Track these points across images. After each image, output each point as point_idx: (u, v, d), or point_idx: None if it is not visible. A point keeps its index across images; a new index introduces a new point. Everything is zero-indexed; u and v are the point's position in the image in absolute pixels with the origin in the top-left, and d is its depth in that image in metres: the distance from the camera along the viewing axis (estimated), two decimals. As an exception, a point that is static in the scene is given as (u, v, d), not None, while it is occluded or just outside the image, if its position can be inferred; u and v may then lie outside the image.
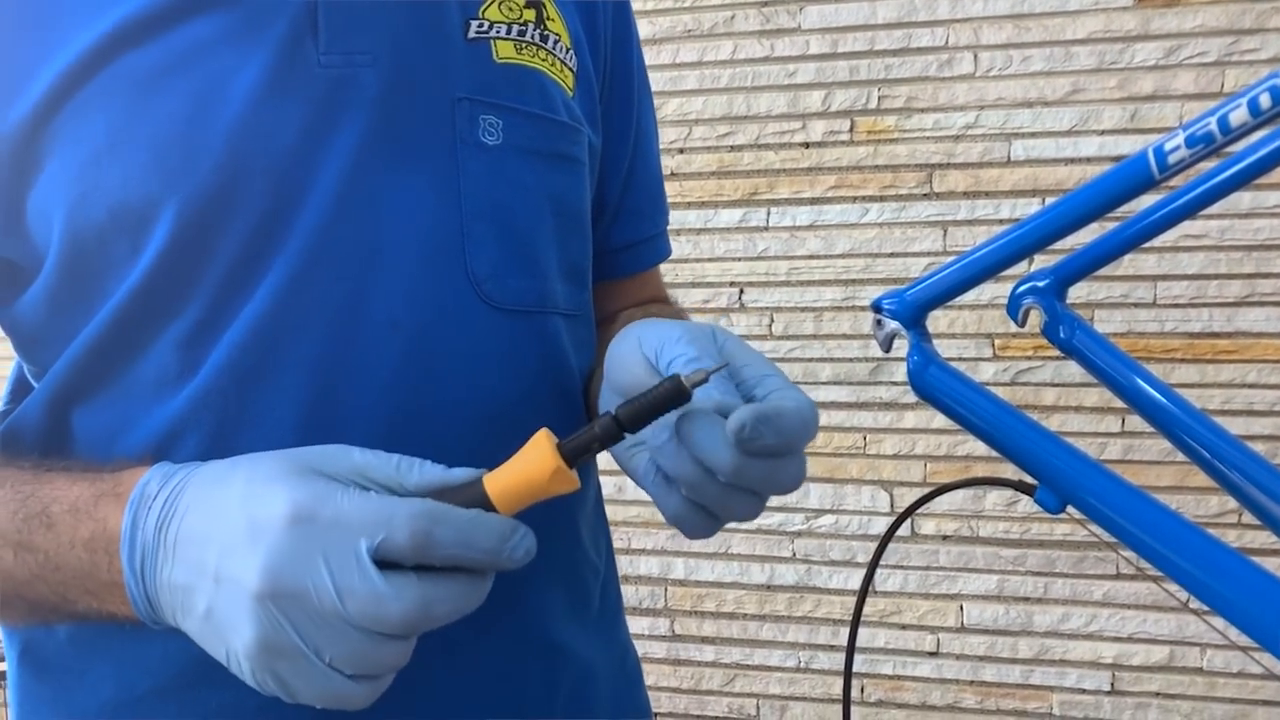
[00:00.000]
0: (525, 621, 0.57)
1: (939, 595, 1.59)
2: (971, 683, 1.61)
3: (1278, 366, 1.41)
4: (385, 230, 0.51)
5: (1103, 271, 0.77)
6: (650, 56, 1.52)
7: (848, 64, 1.46)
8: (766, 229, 1.52)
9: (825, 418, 1.57)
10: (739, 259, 1.54)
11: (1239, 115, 0.48)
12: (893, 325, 0.62)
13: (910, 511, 0.62)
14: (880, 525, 1.58)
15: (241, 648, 0.40)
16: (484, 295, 0.54)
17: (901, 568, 1.59)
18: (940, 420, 1.53)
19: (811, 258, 1.51)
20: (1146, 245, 0.87)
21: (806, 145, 1.50)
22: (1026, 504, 1.54)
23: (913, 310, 0.61)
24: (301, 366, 0.49)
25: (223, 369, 0.48)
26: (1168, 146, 0.50)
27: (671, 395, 0.42)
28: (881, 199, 1.48)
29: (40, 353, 0.52)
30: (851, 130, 1.48)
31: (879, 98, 1.46)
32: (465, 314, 0.53)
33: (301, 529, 0.40)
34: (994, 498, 1.55)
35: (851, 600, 1.60)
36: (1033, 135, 1.42)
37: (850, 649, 0.65)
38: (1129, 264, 1.41)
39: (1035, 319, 0.71)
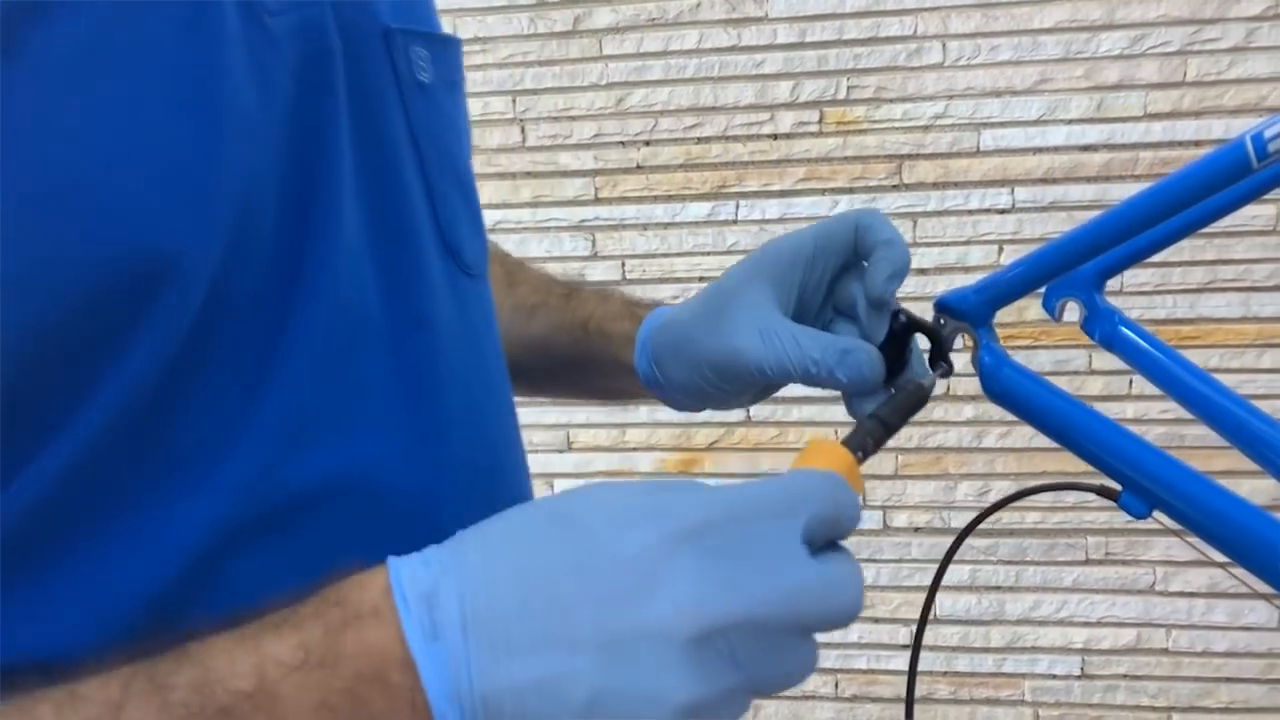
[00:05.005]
0: None
1: (912, 587, 1.58)
2: (945, 673, 1.61)
3: (1239, 351, 1.44)
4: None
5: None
6: (614, 46, 1.48)
7: (816, 54, 1.44)
8: (736, 222, 1.49)
9: (797, 412, 1.55)
10: (708, 253, 1.50)
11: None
12: (956, 324, 0.59)
13: (991, 512, 0.59)
14: (853, 519, 1.57)
15: (671, 714, 0.31)
16: (463, 265, 0.48)
17: (875, 561, 1.58)
18: (912, 412, 1.52)
19: (782, 251, 1.48)
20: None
21: (775, 137, 1.47)
22: (998, 493, 1.54)
23: (981, 307, 0.58)
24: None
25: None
26: (1268, 134, 0.48)
27: (921, 399, 0.49)
28: (851, 191, 1.46)
29: None
30: (820, 121, 1.46)
31: (848, 88, 1.44)
32: (453, 287, 0.47)
33: (718, 536, 0.32)
34: (965, 487, 1.55)
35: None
36: (1001, 125, 1.42)
37: (914, 655, 0.62)
38: (1098, 252, 1.42)
39: (1072, 312, 0.69)
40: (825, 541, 0.35)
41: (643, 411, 1.59)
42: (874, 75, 1.44)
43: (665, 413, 1.59)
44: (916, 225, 1.46)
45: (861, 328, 0.52)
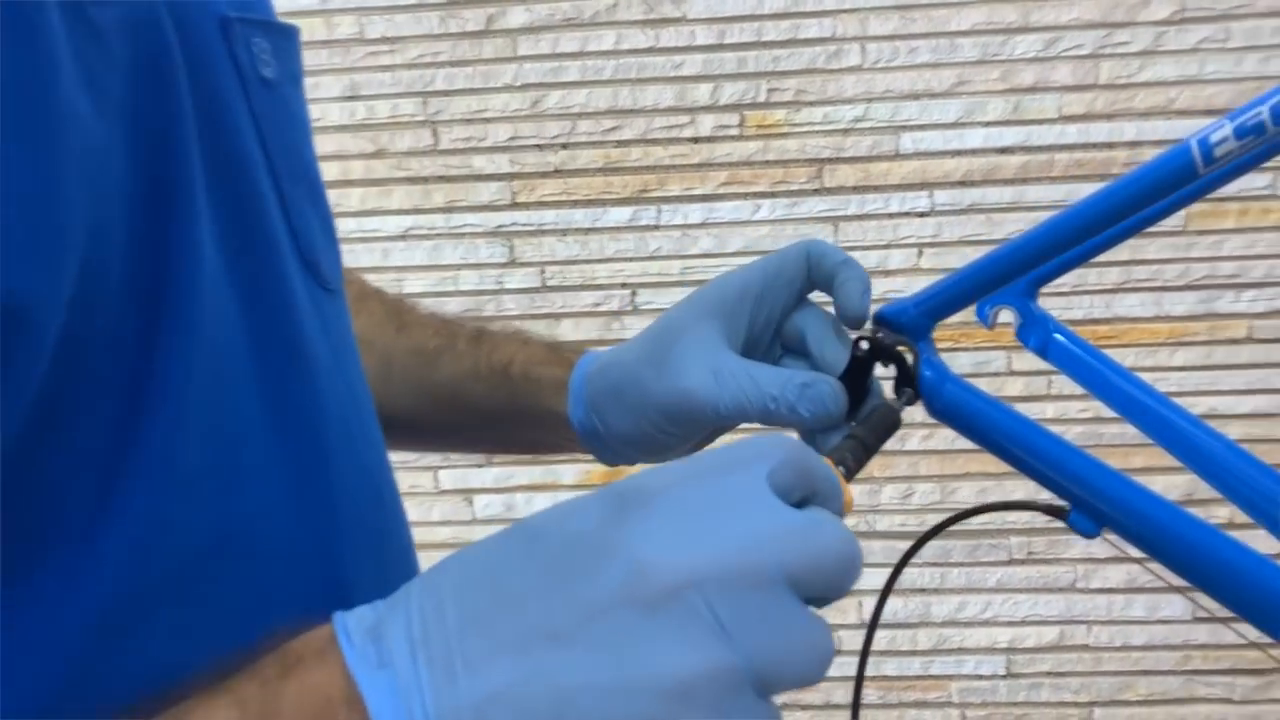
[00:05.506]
0: None
1: (839, 593, 1.57)
2: (873, 678, 1.60)
3: (1153, 349, 1.46)
4: None
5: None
6: (528, 46, 1.43)
7: (735, 55, 1.42)
8: (658, 227, 1.46)
9: (722, 420, 1.52)
10: (630, 259, 1.47)
11: (1294, 105, 0.45)
12: (893, 339, 0.56)
13: (935, 533, 0.57)
14: (780, 527, 1.55)
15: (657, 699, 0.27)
16: (322, 281, 0.44)
17: (803, 568, 1.56)
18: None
19: (705, 256, 1.46)
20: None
21: (696, 140, 1.44)
22: (921, 495, 1.54)
23: (921, 319, 0.55)
24: None
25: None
26: (1214, 138, 0.46)
27: (893, 420, 0.48)
28: (773, 195, 1.44)
29: None
30: (741, 124, 1.43)
31: (768, 90, 1.42)
32: (316, 308, 0.43)
33: (672, 496, 0.29)
34: (889, 491, 1.55)
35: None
36: (920, 128, 1.42)
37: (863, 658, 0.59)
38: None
39: (1005, 321, 0.67)
40: (799, 498, 0.31)
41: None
42: (794, 78, 1.42)
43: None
44: (838, 229, 1.45)
45: (814, 363, 0.50)
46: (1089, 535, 0.52)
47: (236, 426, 0.37)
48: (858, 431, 0.45)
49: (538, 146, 1.46)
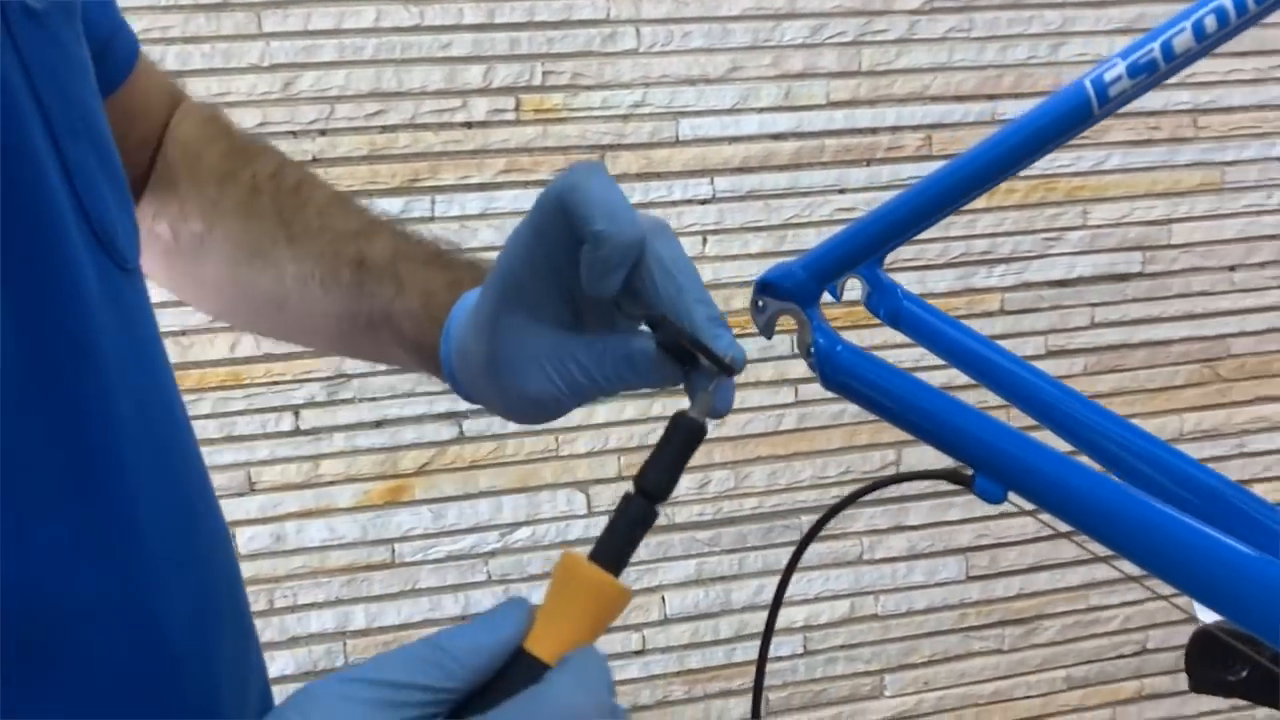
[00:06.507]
0: None
1: (641, 590, 1.53)
2: (679, 673, 1.58)
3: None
4: None
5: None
6: (275, 22, 1.28)
7: (507, 36, 1.34)
8: (433, 219, 1.35)
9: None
10: (404, 256, 1.35)
11: (1183, 40, 0.44)
12: (780, 305, 0.52)
13: (836, 511, 0.52)
14: (578, 530, 1.49)
15: None
16: (118, 259, 0.38)
17: (604, 570, 1.51)
18: (631, 411, 1.48)
19: (486, 249, 1.37)
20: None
21: (469, 125, 1.35)
22: (717, 484, 1.53)
23: (809, 285, 0.51)
24: None
25: None
26: (1108, 77, 0.45)
27: (694, 439, 0.40)
28: (554, 182, 1.38)
29: None
30: (517, 109, 1.36)
31: (543, 73, 1.36)
32: (110, 293, 0.37)
33: None
34: (686, 482, 1.53)
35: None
36: (698, 114, 1.40)
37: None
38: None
39: (853, 291, 0.65)
40: None
41: (338, 439, 1.41)
42: (569, 60, 1.36)
43: (364, 438, 1.43)
44: (623, 217, 1.40)
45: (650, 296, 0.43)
46: (995, 500, 0.50)
47: (13, 457, 0.28)
48: (648, 479, 0.38)
49: (291, 133, 1.31)
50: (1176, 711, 1.74)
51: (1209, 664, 0.62)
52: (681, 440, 0.39)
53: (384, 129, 1.33)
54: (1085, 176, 1.53)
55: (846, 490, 1.58)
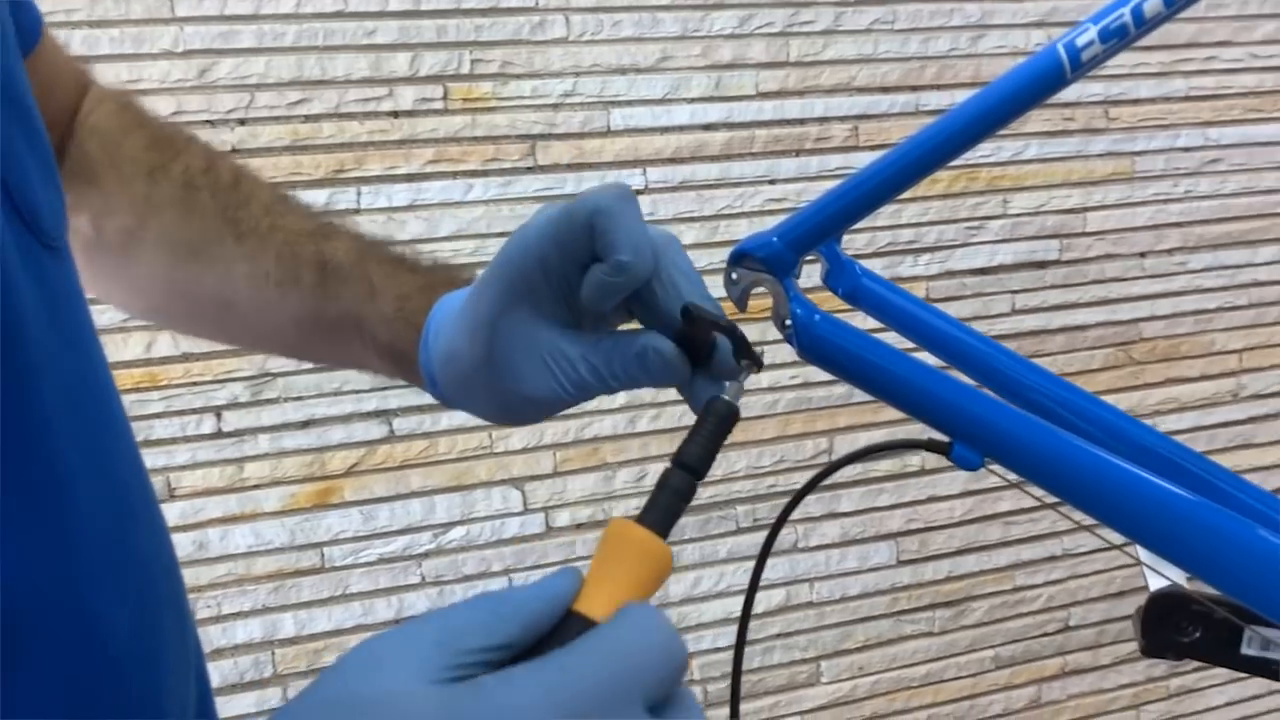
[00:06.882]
0: None
1: (578, 587, 1.52)
2: (618, 669, 1.57)
3: (849, 315, 1.55)
4: None
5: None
6: (189, 6, 1.23)
7: (434, 23, 1.31)
8: (359, 211, 1.31)
9: (446, 420, 1.41)
10: (330, 249, 1.31)
11: (1153, 5, 0.44)
12: (755, 276, 0.51)
13: (809, 490, 0.52)
14: (514, 527, 1.47)
15: None
16: (42, 236, 0.35)
17: (541, 566, 1.49)
18: (566, 405, 1.46)
19: (415, 242, 1.33)
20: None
21: (396, 114, 1.32)
22: (654, 476, 1.52)
23: (787, 254, 0.51)
24: None
25: None
26: (1080, 41, 0.45)
27: (730, 421, 0.41)
28: (485, 174, 1.35)
29: None
30: (445, 98, 1.33)
31: (472, 61, 1.33)
32: (35, 273, 0.34)
33: None
34: (624, 475, 1.52)
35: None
36: (629, 104, 1.39)
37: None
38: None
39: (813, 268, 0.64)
40: (664, 700, 0.30)
41: (263, 441, 1.36)
42: (498, 49, 1.34)
43: (290, 439, 1.38)
44: (555, 208, 1.39)
45: (650, 309, 0.45)
46: (972, 467, 0.50)
47: None
48: (690, 458, 0.39)
49: (209, 123, 1.26)
50: (1096, 685, 1.80)
51: (1164, 627, 0.63)
52: (716, 422, 0.40)
53: (307, 118, 1.29)
54: (1005, 166, 1.57)
55: (781, 480, 1.59)
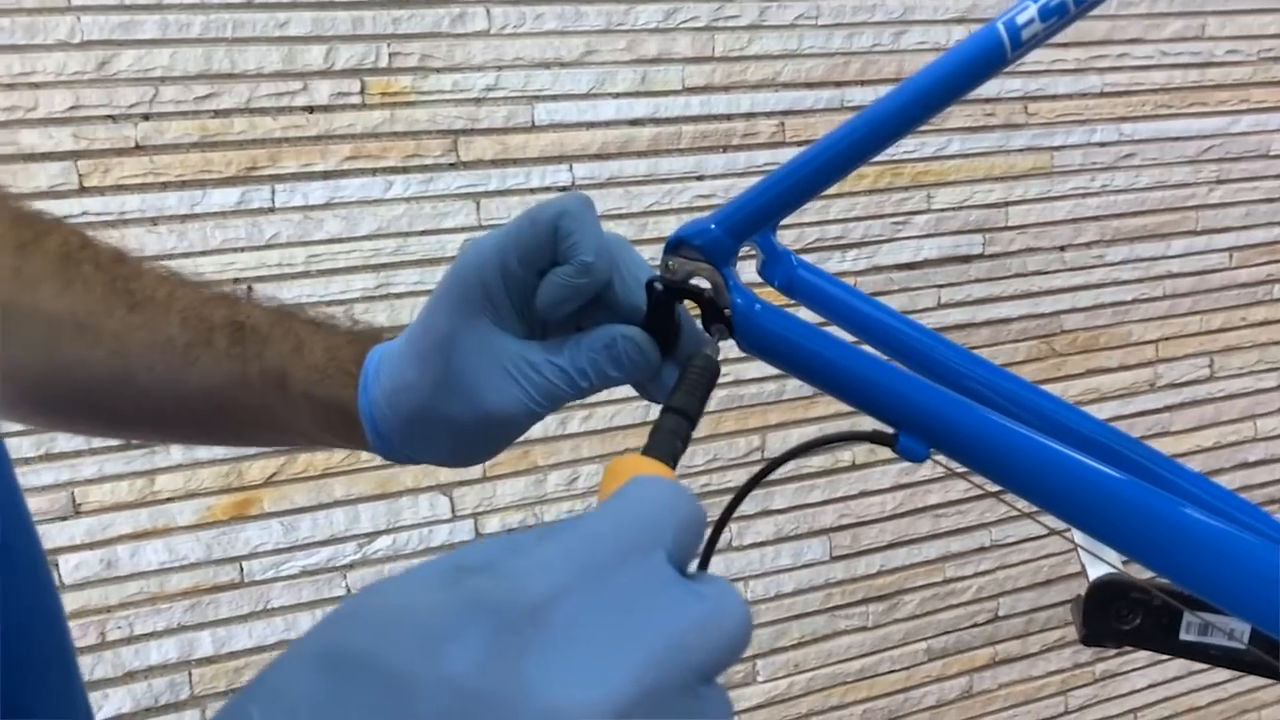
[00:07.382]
0: None
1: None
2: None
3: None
4: None
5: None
6: (86, -7, 1.17)
7: (349, 15, 1.26)
8: (273, 210, 1.26)
9: (370, 425, 1.36)
10: (242, 249, 1.25)
11: (1092, -18, 0.44)
12: (693, 265, 0.49)
13: (754, 485, 0.50)
14: (443, 535, 1.43)
15: None
16: None
17: (471, 575, 1.45)
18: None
19: (333, 241, 1.29)
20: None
21: (311, 109, 1.27)
22: (586, 478, 1.50)
23: (725, 240, 0.49)
24: None
25: None
26: (1020, 19, 0.44)
27: (712, 373, 0.43)
28: (405, 170, 1.31)
29: None
30: (363, 92, 1.28)
31: (390, 55, 1.29)
32: None
33: (574, 605, 0.24)
34: (555, 478, 1.49)
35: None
36: (554, 98, 1.37)
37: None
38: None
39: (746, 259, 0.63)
40: (688, 561, 0.28)
41: (175, 452, 1.29)
42: (417, 41, 1.30)
43: (204, 449, 1.32)
44: (480, 206, 1.35)
45: (612, 309, 0.45)
46: (918, 459, 0.49)
47: None
48: (677, 401, 0.41)
49: (110, 118, 1.20)
50: (1026, 674, 1.82)
51: (1105, 615, 0.63)
52: (699, 373, 0.42)
53: (216, 113, 1.23)
54: (929, 162, 1.58)
55: (715, 479, 1.58)
